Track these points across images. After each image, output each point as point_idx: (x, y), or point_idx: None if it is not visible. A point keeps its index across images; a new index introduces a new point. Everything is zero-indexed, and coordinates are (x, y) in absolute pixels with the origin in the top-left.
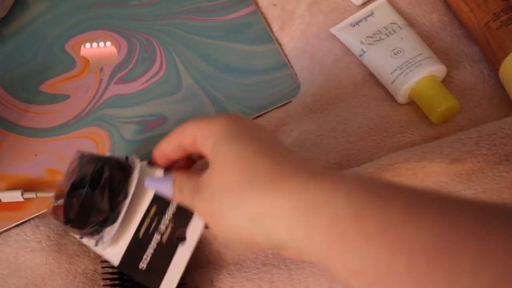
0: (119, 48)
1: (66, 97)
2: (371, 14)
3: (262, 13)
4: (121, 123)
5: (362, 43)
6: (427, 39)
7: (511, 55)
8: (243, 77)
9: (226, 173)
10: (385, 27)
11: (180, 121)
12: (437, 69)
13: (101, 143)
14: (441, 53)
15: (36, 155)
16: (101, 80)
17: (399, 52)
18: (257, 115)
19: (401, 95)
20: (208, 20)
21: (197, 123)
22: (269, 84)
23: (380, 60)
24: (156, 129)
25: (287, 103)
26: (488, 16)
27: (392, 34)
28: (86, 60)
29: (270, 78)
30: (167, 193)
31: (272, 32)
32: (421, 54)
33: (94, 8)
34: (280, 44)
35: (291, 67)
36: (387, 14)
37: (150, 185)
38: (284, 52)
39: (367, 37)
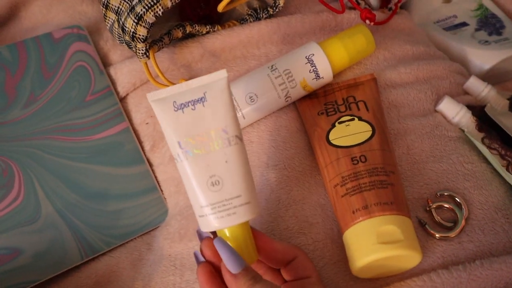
0: None
1: None
2: (203, 98)
3: (135, 131)
4: None
5: (180, 146)
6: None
7: (351, 230)
8: (109, 203)
9: None
10: (214, 131)
11: (37, 254)
12: (251, 219)
13: None
14: (297, 202)
15: None
16: None
17: (217, 183)
18: (120, 243)
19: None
20: (74, 140)
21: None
22: (137, 209)
23: (193, 186)
24: (8, 264)
25: (153, 230)
26: (337, 179)
27: (217, 148)
28: None
29: (137, 203)
30: (229, 265)
31: (144, 152)
32: (240, 196)
33: None
34: (151, 165)
35: (161, 190)
36: (223, 105)
37: (219, 245)
38: (154, 174)
39: (188, 137)
